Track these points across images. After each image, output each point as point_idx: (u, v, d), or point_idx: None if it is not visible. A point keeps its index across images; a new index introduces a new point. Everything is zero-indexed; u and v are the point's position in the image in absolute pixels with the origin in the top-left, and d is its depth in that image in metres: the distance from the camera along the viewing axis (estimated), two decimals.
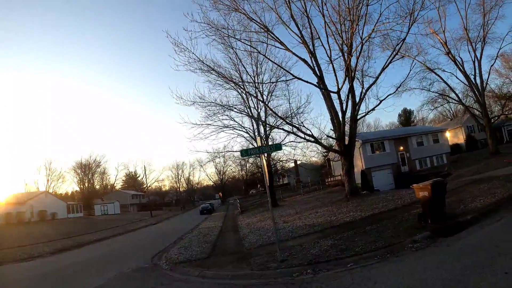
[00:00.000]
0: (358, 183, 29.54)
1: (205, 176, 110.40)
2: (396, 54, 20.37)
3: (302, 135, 20.95)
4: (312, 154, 37.72)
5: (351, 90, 20.21)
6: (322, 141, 22.84)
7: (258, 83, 26.16)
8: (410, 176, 30.83)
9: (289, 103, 29.68)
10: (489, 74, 32.83)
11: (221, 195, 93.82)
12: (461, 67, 31.44)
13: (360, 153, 31.18)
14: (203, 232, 19.66)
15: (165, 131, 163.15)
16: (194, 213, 53.15)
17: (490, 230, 7.44)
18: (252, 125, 31.01)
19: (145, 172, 68.65)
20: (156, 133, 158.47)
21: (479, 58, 30.60)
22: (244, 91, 26.13)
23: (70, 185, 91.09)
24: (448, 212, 9.13)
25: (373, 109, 21.01)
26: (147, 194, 76.95)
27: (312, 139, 20.79)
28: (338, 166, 37.49)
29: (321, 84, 20.85)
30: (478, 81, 31.17)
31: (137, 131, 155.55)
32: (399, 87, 21.31)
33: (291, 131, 21.87)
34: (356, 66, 19.05)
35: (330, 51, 19.61)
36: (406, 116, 77.45)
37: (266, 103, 30.79)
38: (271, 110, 24.25)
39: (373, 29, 17.63)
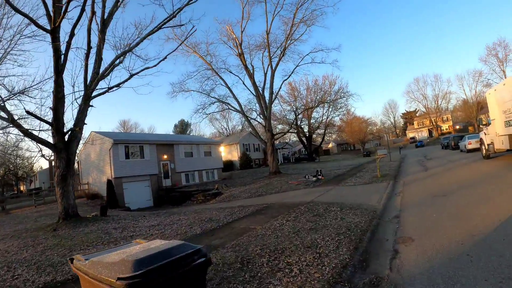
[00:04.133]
0: (104, 196, 21.71)
1: None
2: (174, 17, 14.45)
3: None
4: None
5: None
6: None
7: None
8: (173, 192, 25.38)
9: None
10: (280, 88, 32.03)
11: None
12: (251, 74, 29.02)
13: (110, 156, 23.14)
14: None
15: None
16: None
17: None
18: None
19: None
20: None
21: (273, 68, 28.57)
22: None
23: None
24: None
25: (118, 85, 13.89)
26: None
27: None
28: (88, 169, 27.95)
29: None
30: (267, 94, 29.19)
31: None
32: (162, 60, 15.19)
33: None
34: None
35: None
36: (183, 128, 74.99)
37: None
38: None
39: None
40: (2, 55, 19.75)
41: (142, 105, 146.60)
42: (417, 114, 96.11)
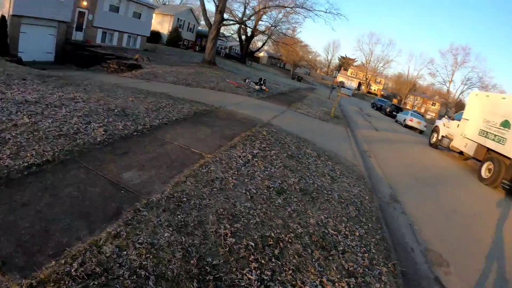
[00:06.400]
0: None
1: None
2: None
3: None
4: None
5: None
6: None
7: None
8: (83, 49, 20.19)
9: None
10: None
11: None
12: None
13: None
14: None
15: None
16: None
17: None
18: None
19: None
20: None
21: None
22: None
23: None
24: None
25: None
26: None
27: None
28: None
29: None
30: None
31: None
32: None
33: None
34: None
35: None
36: None
37: None
38: None
39: None
40: None
41: None
42: (354, 64, 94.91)
